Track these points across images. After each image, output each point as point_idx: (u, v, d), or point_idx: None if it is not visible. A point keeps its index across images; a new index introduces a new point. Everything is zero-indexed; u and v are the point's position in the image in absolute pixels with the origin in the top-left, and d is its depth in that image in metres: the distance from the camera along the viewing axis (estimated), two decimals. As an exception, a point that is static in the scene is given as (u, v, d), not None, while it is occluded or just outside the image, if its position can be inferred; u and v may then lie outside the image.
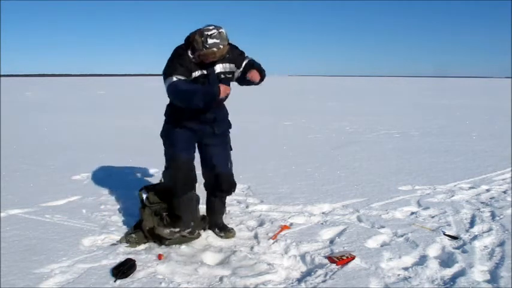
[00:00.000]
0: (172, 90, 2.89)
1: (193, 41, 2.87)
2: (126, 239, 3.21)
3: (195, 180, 3.24)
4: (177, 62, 2.93)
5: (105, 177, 5.10)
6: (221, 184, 3.30)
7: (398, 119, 12.30)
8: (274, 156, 6.55)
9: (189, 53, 2.93)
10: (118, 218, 3.71)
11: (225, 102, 3.29)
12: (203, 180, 3.41)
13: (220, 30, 2.81)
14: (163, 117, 3.28)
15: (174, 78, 2.89)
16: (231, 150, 3.38)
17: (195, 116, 3.09)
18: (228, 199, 4.24)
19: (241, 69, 3.14)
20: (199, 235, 3.26)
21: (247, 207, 4.07)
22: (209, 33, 2.78)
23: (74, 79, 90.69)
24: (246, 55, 3.19)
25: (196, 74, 2.96)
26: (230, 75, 3.12)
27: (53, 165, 5.88)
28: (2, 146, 7.25)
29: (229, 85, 3.08)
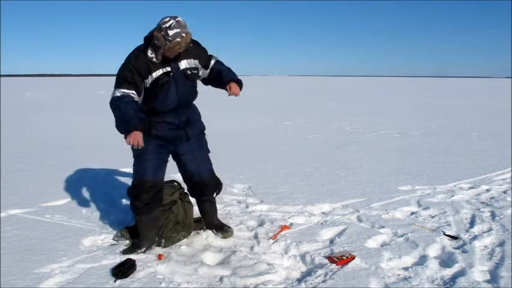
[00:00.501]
0: (111, 104, 2.83)
1: (153, 39, 2.76)
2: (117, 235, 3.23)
3: (161, 200, 3.11)
4: (128, 70, 2.81)
5: (105, 177, 5.11)
6: (203, 189, 3.25)
7: (398, 119, 12.30)
8: (274, 156, 6.55)
9: (149, 53, 2.81)
10: (118, 218, 3.71)
11: (195, 102, 3.19)
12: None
13: (178, 19, 2.73)
14: None
15: (117, 93, 2.82)
16: (209, 152, 3.27)
17: (167, 119, 2.97)
18: (228, 199, 4.26)
19: (208, 70, 3.07)
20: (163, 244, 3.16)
21: (247, 207, 4.07)
22: (167, 25, 2.70)
23: (74, 79, 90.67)
24: (210, 53, 3.11)
25: (158, 73, 2.84)
26: (195, 71, 3.01)
27: (53, 165, 5.89)
28: (2, 146, 7.26)
29: (195, 83, 3.02)
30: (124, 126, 2.82)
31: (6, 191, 4.49)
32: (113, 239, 3.28)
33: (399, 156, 6.58)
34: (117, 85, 2.84)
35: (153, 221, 3.11)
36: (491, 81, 78.08)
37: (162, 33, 2.70)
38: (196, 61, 3.01)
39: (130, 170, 5.36)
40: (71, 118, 12.41)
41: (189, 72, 2.96)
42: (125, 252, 3.02)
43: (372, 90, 36.81)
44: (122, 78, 2.82)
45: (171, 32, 2.69)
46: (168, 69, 2.87)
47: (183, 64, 2.93)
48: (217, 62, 3.12)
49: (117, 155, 6.40)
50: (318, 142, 8.08)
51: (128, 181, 4.91)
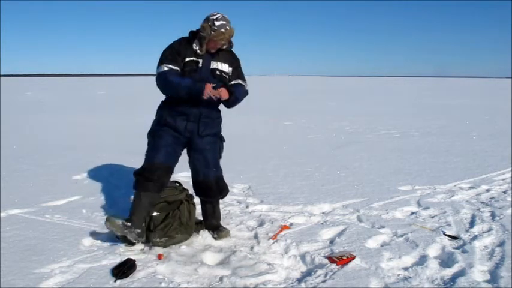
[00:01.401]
0: (160, 78, 3.01)
1: (201, 31, 2.98)
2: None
3: (163, 185, 3.12)
4: (170, 49, 3.04)
5: (105, 177, 5.10)
6: (206, 191, 3.27)
7: (398, 119, 12.30)
8: (274, 156, 6.55)
9: (194, 45, 3.02)
10: (118, 218, 3.71)
11: (220, 108, 3.26)
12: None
13: (224, 15, 2.99)
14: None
15: (165, 68, 2.99)
16: (220, 158, 3.31)
17: (179, 109, 3.09)
18: (228, 199, 4.25)
19: (230, 83, 3.18)
20: (143, 241, 3.11)
21: (247, 207, 4.07)
22: (215, 17, 2.96)
23: (74, 79, 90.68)
24: (242, 74, 3.24)
25: (189, 59, 3.02)
26: (225, 76, 3.13)
27: (53, 165, 5.89)
28: (2, 146, 7.25)
29: (224, 85, 3.06)
30: (190, 91, 2.95)
31: (6, 191, 4.49)
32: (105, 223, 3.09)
33: (399, 156, 6.58)
34: (162, 62, 3.02)
35: (148, 203, 3.09)
36: (491, 81, 78.09)
37: (209, 23, 2.94)
38: (230, 69, 3.16)
39: (130, 169, 5.38)
40: (71, 118, 12.40)
41: (217, 72, 3.10)
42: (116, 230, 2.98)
43: (372, 90, 36.81)
44: (166, 57, 3.03)
45: (217, 23, 2.94)
46: (200, 60, 3.04)
47: (215, 64, 3.09)
48: (240, 84, 3.21)
49: (118, 155, 6.41)
50: (318, 142, 8.08)
51: (129, 181, 4.91)
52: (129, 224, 3.00)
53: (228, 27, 2.97)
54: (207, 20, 2.97)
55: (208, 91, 2.92)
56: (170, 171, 3.16)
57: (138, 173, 3.14)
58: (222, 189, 3.35)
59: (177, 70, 3.00)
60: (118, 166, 5.58)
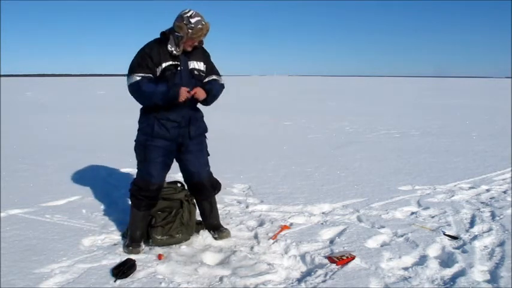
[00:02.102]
0: (133, 89, 2.92)
1: (176, 31, 2.88)
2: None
3: (157, 200, 3.18)
4: (141, 56, 2.92)
5: (105, 177, 5.11)
6: (202, 190, 3.28)
7: (398, 119, 12.31)
8: (274, 156, 6.55)
9: (169, 46, 2.92)
10: (118, 218, 3.70)
11: (203, 105, 3.23)
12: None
13: (196, 11, 2.89)
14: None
15: (136, 77, 2.89)
16: (208, 155, 3.31)
17: (170, 117, 3.02)
18: (228, 199, 4.26)
19: (205, 80, 3.14)
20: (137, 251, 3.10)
21: (247, 207, 4.07)
22: (188, 14, 2.86)
23: (74, 79, 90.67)
24: (215, 69, 3.20)
25: (167, 64, 2.93)
26: (203, 74, 3.10)
27: (53, 165, 5.89)
28: (2, 146, 7.25)
29: (200, 83, 3.05)
30: (166, 98, 2.90)
31: (6, 191, 4.49)
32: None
33: (399, 156, 6.58)
34: (133, 71, 2.91)
35: (146, 217, 3.16)
36: (491, 81, 78.09)
37: (184, 22, 2.85)
38: (204, 66, 3.11)
39: (130, 170, 5.39)
40: (71, 118, 12.40)
41: (196, 72, 3.05)
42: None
43: (372, 90, 36.81)
44: (137, 65, 2.92)
45: (193, 20, 2.85)
46: (177, 62, 2.97)
47: (192, 64, 3.04)
48: (215, 80, 3.18)
49: (117, 155, 6.41)
50: (318, 142, 8.08)
51: (128, 181, 4.91)
52: (143, 246, 3.14)
53: (203, 22, 2.88)
54: (181, 18, 2.87)
55: (184, 94, 2.88)
56: (164, 184, 3.19)
57: (134, 194, 3.11)
58: (215, 185, 3.37)
59: (150, 77, 2.90)
60: (118, 166, 5.58)
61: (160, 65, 2.92)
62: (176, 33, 2.89)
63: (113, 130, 9.60)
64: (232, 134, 8.66)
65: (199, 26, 2.86)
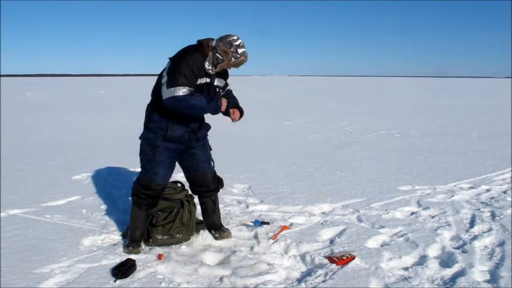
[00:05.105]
0: (178, 103, 2.84)
1: (219, 53, 2.88)
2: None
3: (157, 203, 3.20)
4: (187, 68, 2.85)
5: (105, 177, 5.11)
6: (207, 183, 3.30)
7: (398, 119, 12.31)
8: (274, 156, 6.55)
9: (206, 64, 2.92)
10: (118, 218, 3.71)
11: None
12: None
13: (242, 40, 2.93)
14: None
15: (185, 90, 2.83)
16: (211, 150, 3.38)
17: (187, 122, 3.06)
18: (228, 199, 4.26)
19: (223, 91, 3.23)
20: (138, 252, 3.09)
21: (247, 207, 4.07)
22: (237, 43, 2.88)
23: (74, 79, 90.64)
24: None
25: (202, 81, 2.95)
26: (222, 91, 3.18)
27: (53, 165, 5.89)
28: (2, 146, 7.25)
29: (235, 105, 3.23)
30: (210, 111, 2.99)
31: (6, 191, 4.49)
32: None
33: (399, 156, 6.58)
34: (179, 82, 2.84)
35: (144, 217, 3.16)
36: (491, 81, 78.08)
37: (232, 49, 2.87)
38: (224, 82, 3.19)
39: (130, 169, 5.40)
40: (71, 118, 12.40)
41: (218, 89, 3.12)
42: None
43: (372, 90, 36.81)
44: (184, 76, 2.85)
45: (240, 50, 2.89)
46: (209, 80, 3.00)
47: (217, 81, 3.09)
48: (231, 90, 3.35)
49: (118, 154, 6.42)
50: (318, 142, 8.08)
51: (128, 181, 4.92)
52: (143, 246, 3.15)
53: (246, 54, 2.93)
54: (229, 44, 2.86)
55: (225, 105, 3.03)
56: (166, 186, 3.22)
57: (136, 192, 3.12)
58: (218, 180, 3.41)
59: (194, 90, 2.89)
60: (118, 166, 5.58)
61: (197, 80, 2.93)
62: (218, 55, 2.89)
63: (113, 130, 9.60)
64: (232, 134, 8.65)
65: (243, 57, 2.92)
